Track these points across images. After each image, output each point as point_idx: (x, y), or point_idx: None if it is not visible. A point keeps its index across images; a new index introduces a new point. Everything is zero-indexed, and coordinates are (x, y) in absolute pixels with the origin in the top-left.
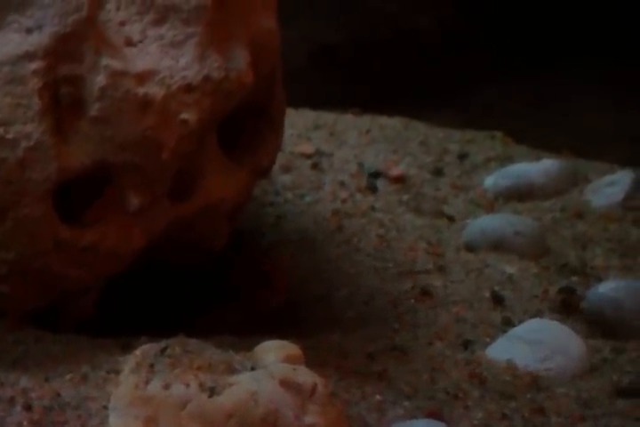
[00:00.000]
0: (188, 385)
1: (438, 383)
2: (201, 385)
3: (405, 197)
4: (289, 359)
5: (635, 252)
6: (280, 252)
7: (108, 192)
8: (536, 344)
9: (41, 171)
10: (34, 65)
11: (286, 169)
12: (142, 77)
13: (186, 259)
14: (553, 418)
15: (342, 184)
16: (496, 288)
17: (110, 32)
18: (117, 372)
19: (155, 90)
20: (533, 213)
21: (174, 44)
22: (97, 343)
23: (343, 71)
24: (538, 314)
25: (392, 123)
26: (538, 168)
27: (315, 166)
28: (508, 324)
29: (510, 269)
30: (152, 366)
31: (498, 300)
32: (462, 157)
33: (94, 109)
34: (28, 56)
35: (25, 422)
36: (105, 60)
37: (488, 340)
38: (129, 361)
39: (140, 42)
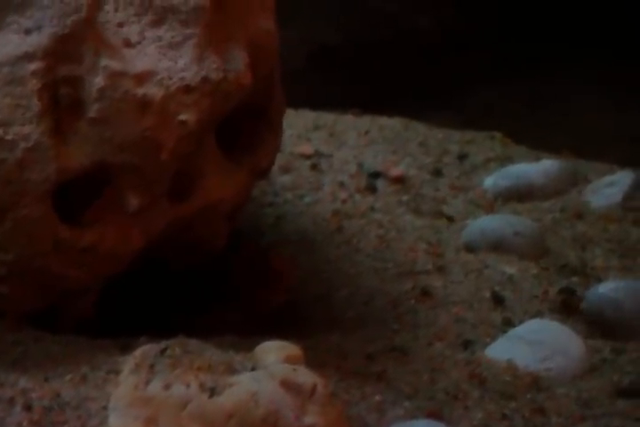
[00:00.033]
0: (188, 386)
1: (438, 384)
2: (201, 386)
3: (405, 198)
4: (289, 360)
5: (634, 252)
6: (280, 252)
7: (106, 193)
8: (536, 345)
9: (40, 171)
10: (33, 66)
11: (286, 170)
12: (141, 78)
13: (185, 259)
14: (553, 418)
15: (342, 185)
16: (496, 289)
17: (109, 33)
18: (117, 372)
19: (153, 91)
20: (533, 213)
21: (173, 45)
22: (96, 344)
23: (343, 72)
24: (538, 314)
25: (392, 123)
26: (537, 169)
27: (314, 167)
28: (508, 324)
29: (510, 269)
30: (152, 366)
31: (498, 300)
32: (462, 157)
33: (93, 110)
34: (28, 57)
35: (25, 423)
36: (104, 61)
37: (488, 340)
38: (129, 362)
39: (139, 43)
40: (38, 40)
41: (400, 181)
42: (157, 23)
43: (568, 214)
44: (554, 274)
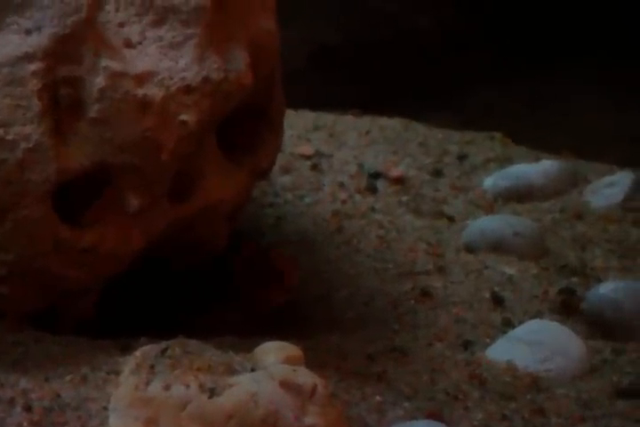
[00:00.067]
0: (188, 386)
1: (438, 384)
2: (201, 386)
3: (405, 198)
4: (289, 360)
5: (634, 253)
6: (281, 252)
7: (107, 193)
8: (536, 345)
9: (40, 172)
10: (33, 66)
11: (286, 170)
12: (141, 79)
13: (186, 259)
14: (553, 419)
15: (342, 185)
16: (496, 289)
17: (109, 33)
18: (117, 373)
19: (154, 91)
20: (533, 213)
21: (173, 45)
22: (97, 344)
23: (343, 72)
24: (538, 315)
25: (392, 124)
26: (537, 169)
27: (314, 167)
28: (507, 325)
29: (510, 269)
30: (152, 367)
31: (498, 301)
32: (462, 157)
33: (93, 111)
34: (28, 57)
35: (25, 423)
36: (104, 62)
37: (488, 341)
38: (129, 362)
39: (140, 43)
40: (38, 40)
41: (400, 181)
42: (158, 23)
43: (568, 215)
44: (554, 274)
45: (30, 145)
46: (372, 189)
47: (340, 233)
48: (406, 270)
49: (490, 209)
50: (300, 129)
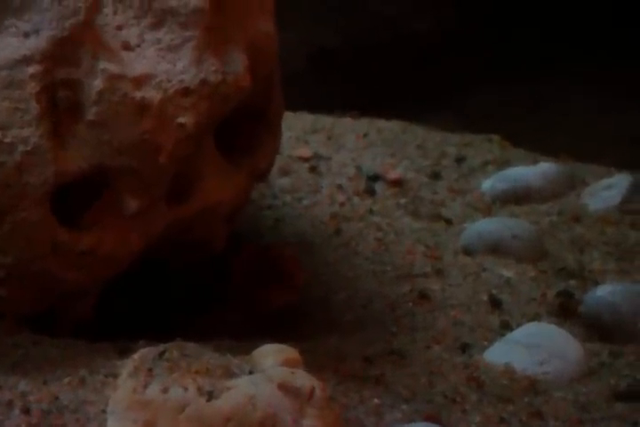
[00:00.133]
0: (186, 389)
1: (436, 387)
2: (199, 389)
3: (403, 201)
4: (287, 363)
5: (632, 255)
6: (282, 253)
7: (105, 196)
8: (534, 348)
9: (38, 175)
10: (31, 69)
11: (284, 172)
12: (139, 81)
13: (184, 261)
14: (551, 422)
15: (340, 188)
16: (494, 292)
17: (107, 36)
18: (115, 376)
19: (152, 94)
20: (531, 216)
21: (171, 47)
22: (95, 347)
23: (341, 74)
24: (535, 318)
25: (390, 126)
26: (535, 171)
27: (313, 170)
28: (505, 327)
29: (508, 272)
30: (150, 370)
31: (495, 303)
32: (460, 160)
33: (91, 113)
34: (26, 60)
35: (23, 426)
36: (102, 64)
37: (486, 343)
38: (127, 365)
39: (138, 46)
40: (37, 43)
41: (398, 183)
42: (156, 26)
43: (566, 217)
44: (551, 277)
45: (28, 148)
46: (371, 192)
47: (339, 235)
48: (404, 273)
49: (488, 211)
50: (299, 131)
